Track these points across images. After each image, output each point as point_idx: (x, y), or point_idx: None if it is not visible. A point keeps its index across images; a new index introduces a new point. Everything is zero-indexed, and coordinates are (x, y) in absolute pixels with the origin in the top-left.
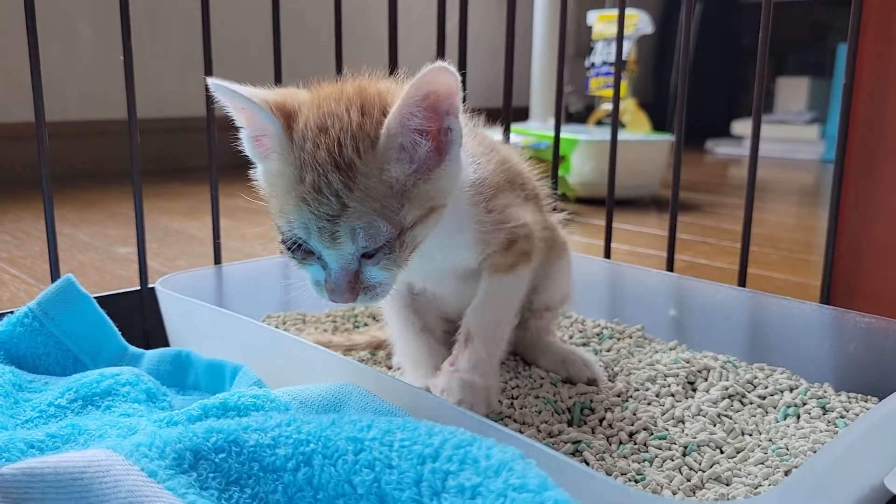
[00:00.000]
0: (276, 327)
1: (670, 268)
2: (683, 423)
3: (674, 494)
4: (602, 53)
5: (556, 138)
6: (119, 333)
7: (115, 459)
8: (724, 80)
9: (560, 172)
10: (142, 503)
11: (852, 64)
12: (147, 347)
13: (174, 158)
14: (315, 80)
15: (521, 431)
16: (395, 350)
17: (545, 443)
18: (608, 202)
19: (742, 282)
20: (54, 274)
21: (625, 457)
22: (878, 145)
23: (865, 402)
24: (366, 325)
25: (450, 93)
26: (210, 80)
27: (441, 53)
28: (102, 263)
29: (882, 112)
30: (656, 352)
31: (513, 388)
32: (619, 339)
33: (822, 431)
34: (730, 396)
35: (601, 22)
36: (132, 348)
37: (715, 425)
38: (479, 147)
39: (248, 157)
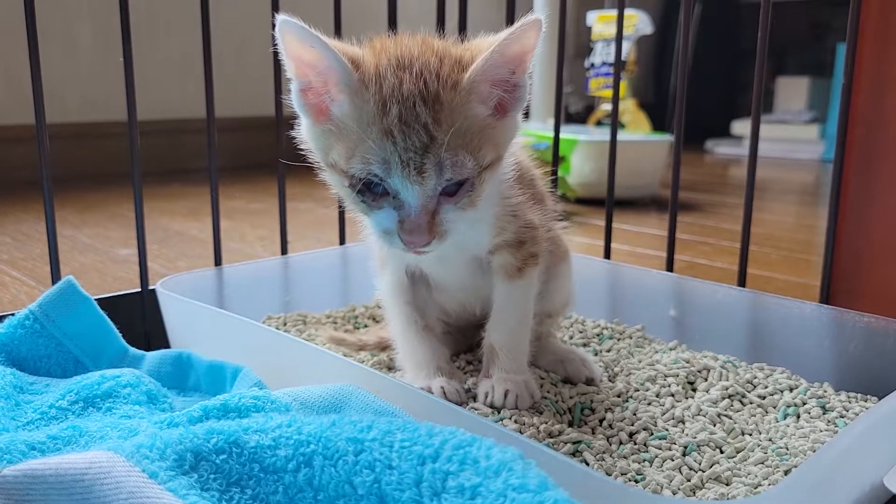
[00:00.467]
0: (277, 328)
1: (670, 268)
2: (683, 423)
3: (674, 494)
4: (602, 54)
5: (556, 139)
6: (120, 335)
7: (116, 461)
8: (723, 81)
9: (560, 173)
10: None
11: (851, 64)
12: (148, 349)
13: (174, 160)
14: None
15: (520, 431)
16: (396, 350)
17: (545, 443)
18: (608, 202)
19: (742, 282)
20: (55, 276)
21: (625, 457)
22: (878, 145)
23: (865, 401)
24: (366, 326)
25: (528, 50)
26: (279, 16)
27: None
28: (103, 265)
29: (881, 112)
30: (656, 352)
31: None
32: (619, 340)
33: (821, 431)
34: (730, 396)
35: (601, 22)
36: (133, 350)
37: (715, 425)
38: None
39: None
